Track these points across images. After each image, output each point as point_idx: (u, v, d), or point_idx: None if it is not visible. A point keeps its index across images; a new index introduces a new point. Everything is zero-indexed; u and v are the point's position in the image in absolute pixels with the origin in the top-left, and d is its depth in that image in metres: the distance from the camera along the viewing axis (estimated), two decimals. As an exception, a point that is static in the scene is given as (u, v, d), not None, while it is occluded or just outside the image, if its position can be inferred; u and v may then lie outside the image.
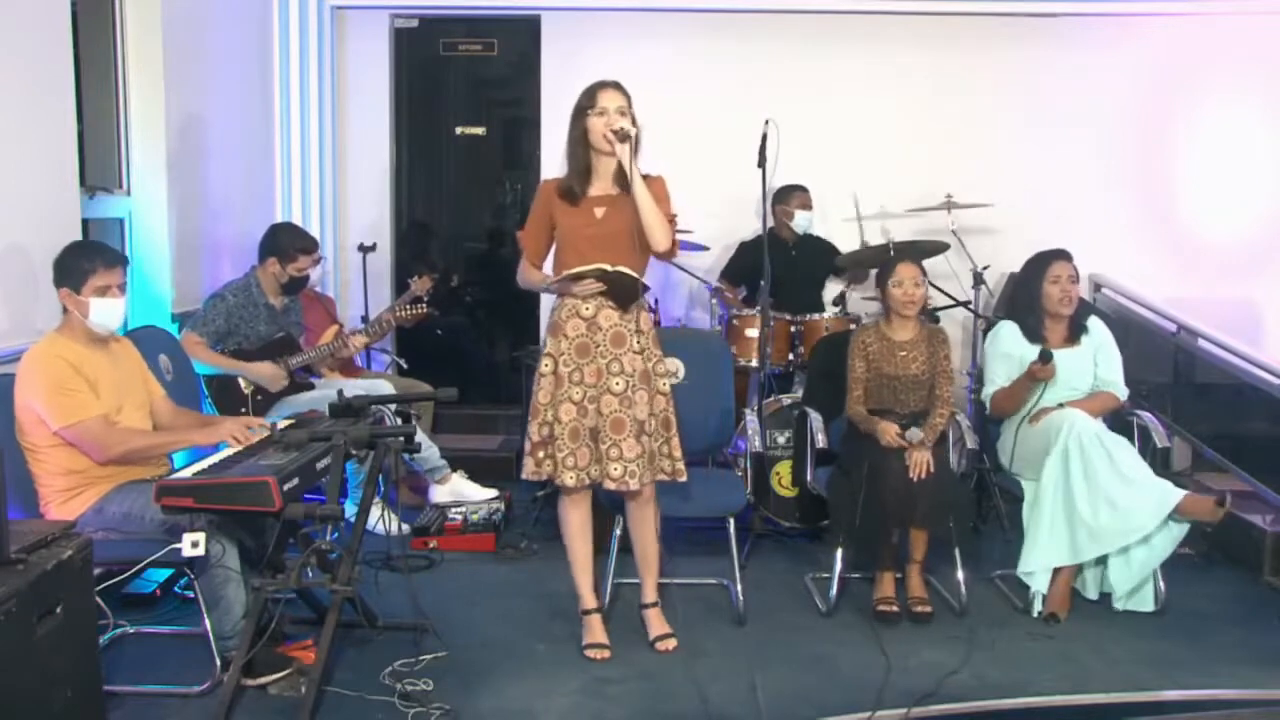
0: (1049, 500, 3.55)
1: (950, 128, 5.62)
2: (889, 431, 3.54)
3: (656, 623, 3.34)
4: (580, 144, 3.12)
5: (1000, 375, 3.81)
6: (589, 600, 3.32)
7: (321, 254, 5.09)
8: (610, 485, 3.12)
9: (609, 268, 3.05)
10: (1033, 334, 3.81)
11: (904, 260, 3.78)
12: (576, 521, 3.28)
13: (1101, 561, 3.63)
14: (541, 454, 3.15)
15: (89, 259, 3.06)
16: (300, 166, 5.46)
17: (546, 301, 5.77)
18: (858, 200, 5.43)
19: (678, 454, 3.21)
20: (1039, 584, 3.56)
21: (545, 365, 3.16)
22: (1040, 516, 3.56)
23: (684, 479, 3.22)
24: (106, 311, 3.06)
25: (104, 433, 2.97)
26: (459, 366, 6.02)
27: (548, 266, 3.29)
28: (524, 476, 3.24)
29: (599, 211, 3.14)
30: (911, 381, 3.68)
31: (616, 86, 3.10)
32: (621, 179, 3.09)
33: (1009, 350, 3.82)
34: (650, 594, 3.38)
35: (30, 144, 3.41)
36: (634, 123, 3.05)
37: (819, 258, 5.16)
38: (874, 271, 4.37)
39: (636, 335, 3.15)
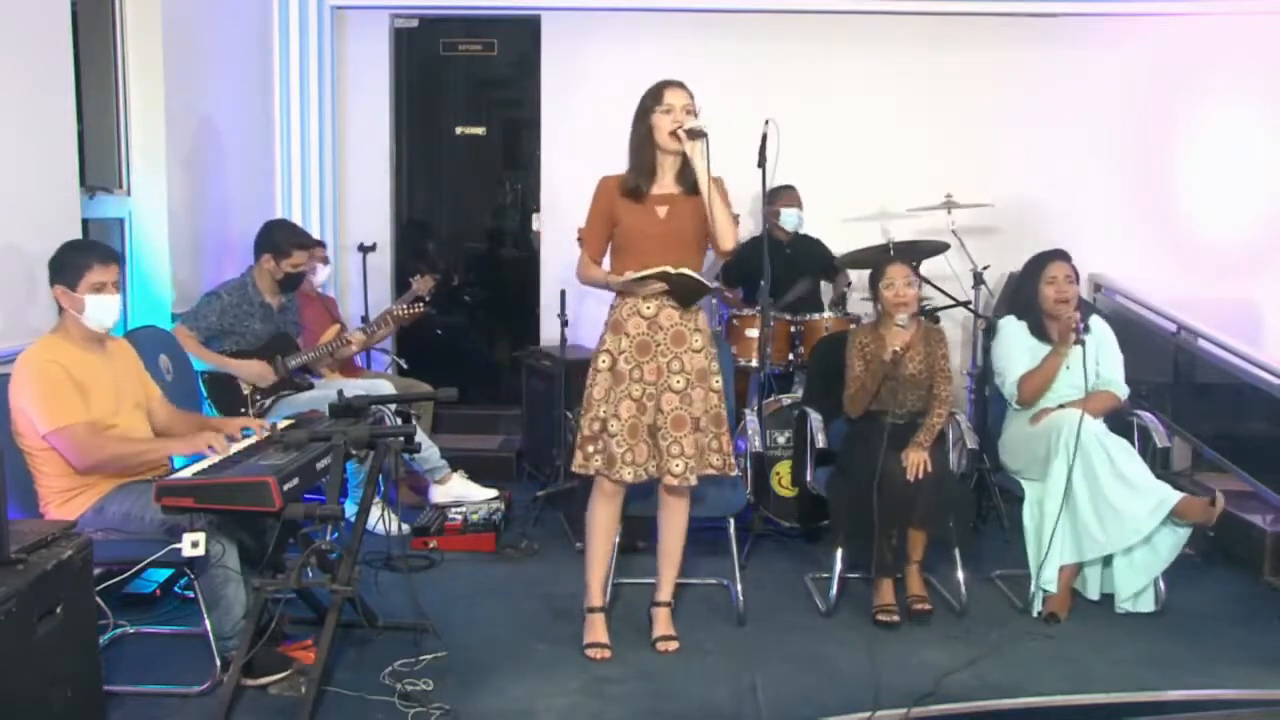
0: (1055, 503, 3.54)
1: (950, 128, 5.62)
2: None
3: (663, 623, 3.35)
4: (646, 142, 3.14)
5: (1019, 362, 3.80)
6: (597, 598, 3.32)
7: (327, 254, 5.11)
8: (671, 481, 3.15)
9: (672, 270, 3.07)
10: (1036, 332, 3.82)
11: (894, 262, 3.77)
12: (605, 518, 3.28)
13: (1107, 563, 3.63)
14: (591, 448, 3.16)
15: (84, 255, 3.05)
16: (300, 166, 5.46)
17: (546, 301, 5.80)
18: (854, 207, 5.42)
19: (728, 449, 3.24)
20: (1050, 585, 3.56)
21: (603, 361, 3.17)
22: (1050, 520, 3.55)
23: (734, 473, 3.28)
24: (102, 308, 3.05)
25: (86, 439, 2.95)
26: (459, 366, 6.03)
27: (604, 263, 3.29)
28: (573, 469, 3.25)
29: (661, 210, 3.16)
30: (909, 382, 3.67)
31: (682, 85, 3.14)
32: (683, 178, 3.14)
33: (1020, 339, 3.83)
34: (666, 593, 3.38)
35: (30, 144, 3.40)
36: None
37: (815, 258, 5.16)
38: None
39: (696, 334, 3.19)
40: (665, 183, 3.18)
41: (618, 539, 3.53)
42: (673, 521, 3.32)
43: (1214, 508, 3.40)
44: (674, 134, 3.07)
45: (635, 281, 3.10)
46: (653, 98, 3.13)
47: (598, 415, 3.16)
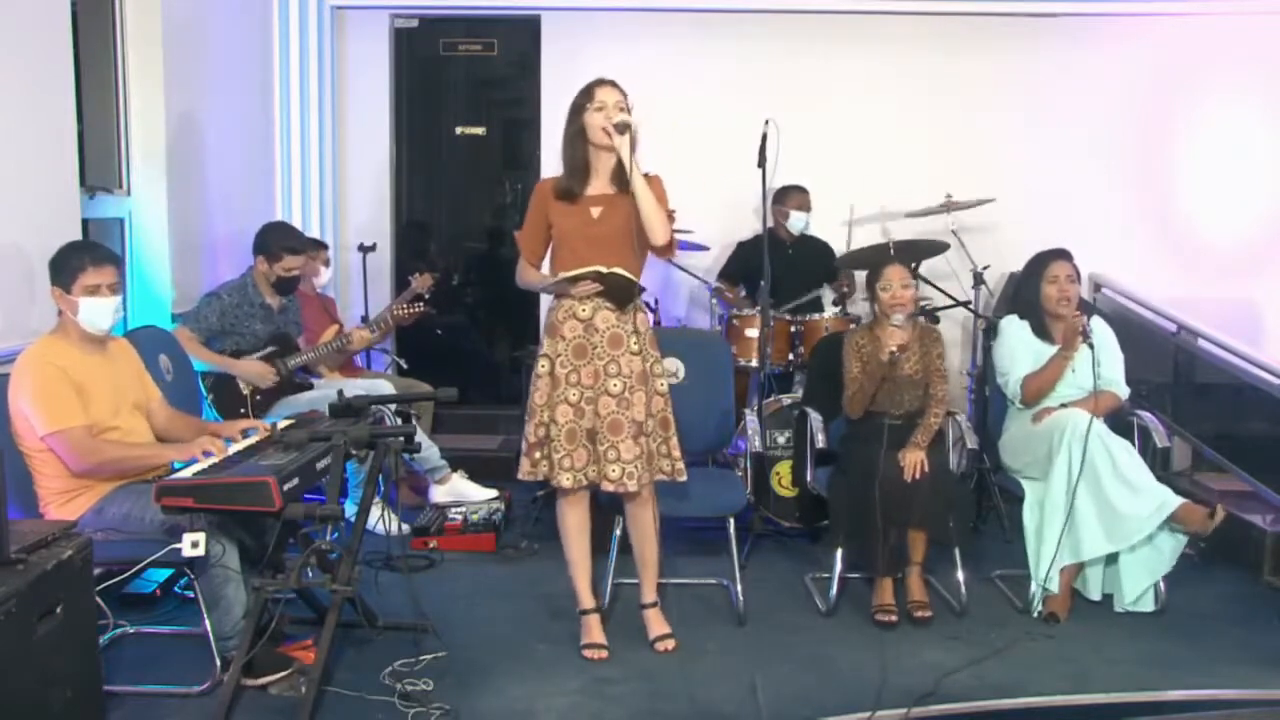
0: (1057, 503, 3.54)
1: (950, 128, 5.62)
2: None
3: (656, 623, 3.34)
4: (578, 141, 3.12)
5: (1022, 362, 3.80)
6: (586, 600, 3.32)
7: (329, 255, 5.11)
8: (608, 487, 3.11)
9: (604, 269, 3.05)
10: (1038, 332, 3.82)
11: (891, 263, 3.76)
12: (574, 522, 3.28)
13: (1108, 563, 3.62)
14: (538, 454, 3.15)
15: (78, 257, 3.04)
16: (300, 166, 5.46)
17: (546, 301, 5.77)
18: (852, 209, 5.41)
19: (677, 454, 3.20)
20: (1052, 584, 3.56)
21: (542, 366, 3.16)
22: (1054, 520, 3.54)
23: (684, 479, 3.22)
24: (96, 311, 3.03)
25: (83, 443, 2.95)
26: (459, 366, 6.03)
27: (545, 266, 3.29)
28: (520, 477, 3.23)
29: (595, 211, 3.13)
30: (906, 382, 3.67)
31: (613, 83, 3.11)
32: (618, 178, 3.10)
33: (1024, 338, 3.83)
34: (649, 594, 3.38)
35: (30, 144, 3.41)
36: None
37: (816, 258, 5.16)
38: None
39: (634, 336, 3.14)
40: (600, 183, 3.15)
41: (616, 540, 3.54)
42: (637, 527, 3.29)
43: (1212, 520, 3.40)
44: (604, 129, 3.04)
45: (567, 282, 3.08)
46: (584, 96, 3.11)
47: (541, 421, 3.14)
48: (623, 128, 3.01)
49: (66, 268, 3.02)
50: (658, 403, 3.18)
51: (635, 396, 3.11)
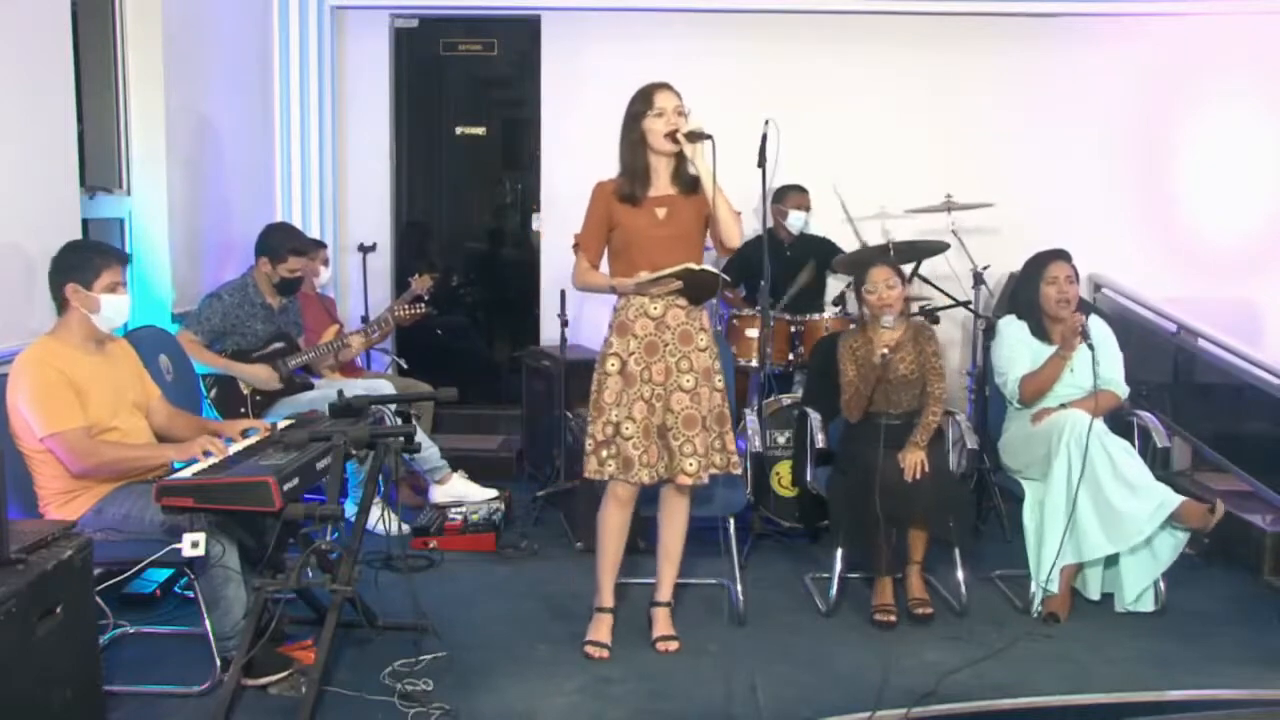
0: (1059, 504, 3.54)
1: (950, 128, 5.62)
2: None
3: (663, 623, 3.34)
4: (639, 147, 3.14)
5: (1020, 363, 3.80)
6: (608, 599, 3.31)
7: (328, 255, 5.11)
8: (685, 481, 3.14)
9: (695, 266, 3.07)
10: (1036, 333, 3.82)
11: (875, 264, 3.76)
12: (619, 522, 3.26)
13: (1108, 563, 3.62)
14: (605, 453, 3.15)
15: (101, 255, 3.07)
16: (300, 166, 5.46)
17: (546, 301, 5.80)
18: (843, 200, 5.40)
19: (731, 447, 3.24)
20: (1053, 584, 3.56)
21: (611, 364, 3.16)
22: (1054, 521, 3.54)
23: (738, 471, 3.28)
24: (116, 308, 3.07)
25: (80, 444, 2.94)
26: (459, 366, 6.03)
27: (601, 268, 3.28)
28: (586, 475, 3.24)
29: (661, 212, 3.16)
30: (901, 382, 3.67)
31: (669, 87, 3.14)
32: (678, 179, 3.16)
33: (1022, 338, 3.83)
34: (665, 593, 3.37)
35: (30, 144, 3.40)
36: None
37: (817, 257, 5.16)
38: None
39: (702, 333, 3.19)
40: (661, 185, 3.18)
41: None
42: (675, 521, 3.32)
43: (1213, 516, 3.40)
44: (671, 137, 3.07)
45: (651, 282, 3.09)
46: (642, 102, 3.12)
47: (610, 419, 3.14)
48: (698, 136, 3.04)
49: (89, 265, 3.03)
50: (715, 398, 3.21)
51: (703, 391, 3.17)
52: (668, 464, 3.16)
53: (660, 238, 3.14)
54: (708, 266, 3.11)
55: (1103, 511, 3.49)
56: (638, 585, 3.63)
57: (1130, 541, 3.47)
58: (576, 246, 3.30)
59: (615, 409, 3.14)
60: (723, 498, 3.57)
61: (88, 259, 3.04)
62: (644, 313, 3.16)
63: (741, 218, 3.21)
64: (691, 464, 3.13)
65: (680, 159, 3.14)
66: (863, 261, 3.88)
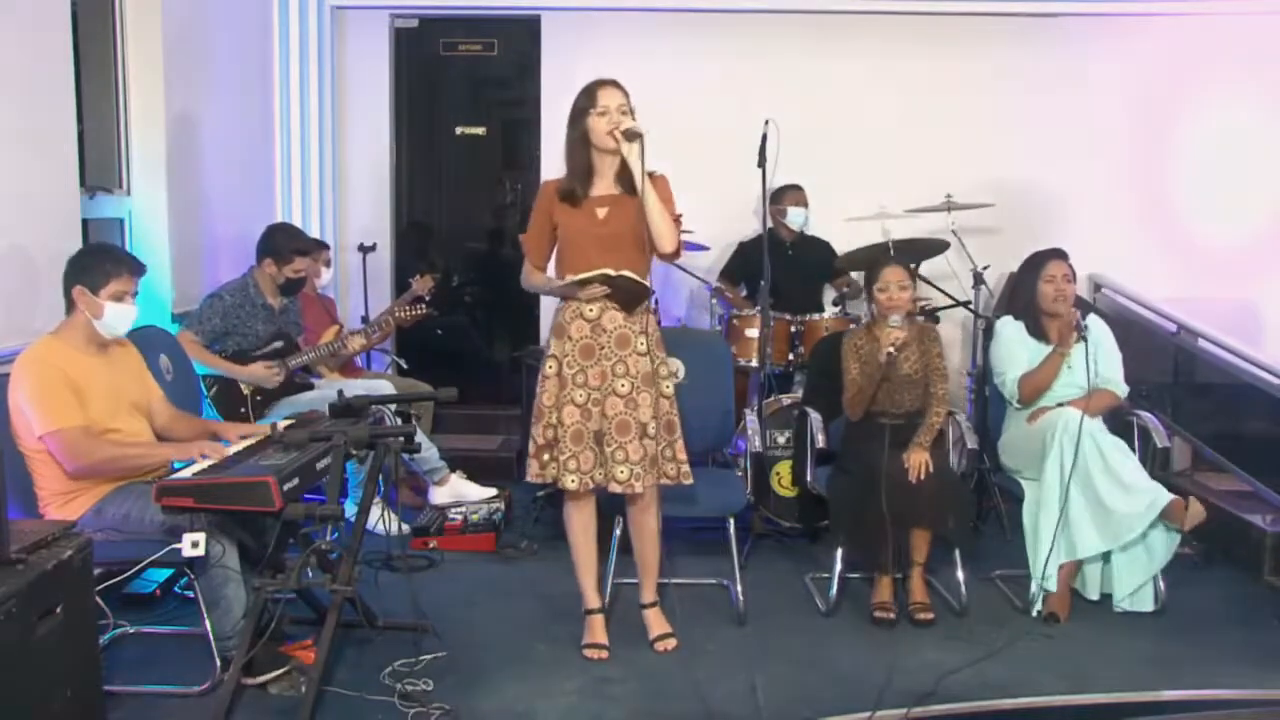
0: (1051, 502, 3.54)
1: (950, 128, 5.62)
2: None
3: (656, 622, 3.34)
4: (581, 145, 3.09)
5: (1018, 362, 3.80)
6: (592, 600, 3.31)
7: (330, 256, 5.11)
8: (615, 488, 3.09)
9: (613, 272, 3.03)
10: (1033, 332, 3.82)
11: (890, 264, 3.76)
12: (580, 524, 3.27)
13: (1106, 561, 3.63)
14: (546, 457, 3.13)
15: (115, 263, 3.06)
16: (300, 166, 5.46)
17: (547, 302, 5.79)
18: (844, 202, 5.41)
19: (682, 457, 3.18)
20: (1050, 583, 3.56)
21: (549, 367, 3.14)
22: (1048, 520, 3.55)
23: (689, 482, 3.20)
24: (120, 317, 3.07)
25: (78, 443, 2.94)
26: (459, 366, 6.03)
27: (550, 268, 3.28)
28: (528, 479, 3.22)
29: (601, 212, 3.11)
30: (905, 381, 3.67)
31: (615, 84, 3.07)
32: (623, 179, 3.08)
33: (1019, 338, 3.83)
34: (649, 594, 3.37)
35: (30, 144, 3.40)
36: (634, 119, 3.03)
37: (817, 257, 5.16)
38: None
39: (641, 337, 3.12)
40: (604, 184, 3.12)
41: (615, 540, 3.54)
42: (640, 529, 3.28)
43: (1187, 512, 3.39)
44: (611, 135, 3.01)
45: (576, 285, 3.06)
46: (586, 99, 3.06)
47: (549, 422, 3.12)
48: (632, 135, 2.98)
49: (99, 270, 3.03)
50: (663, 405, 3.16)
51: (642, 398, 3.09)
52: (604, 471, 3.10)
53: (599, 237, 3.09)
54: (628, 273, 3.03)
55: (1095, 509, 3.49)
56: (634, 585, 3.62)
57: (1123, 539, 3.48)
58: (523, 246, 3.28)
59: (552, 412, 3.11)
60: (723, 498, 3.57)
61: (99, 264, 3.04)
62: (580, 315, 3.11)
63: (681, 219, 3.12)
64: (622, 472, 3.06)
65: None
66: (875, 259, 3.87)
